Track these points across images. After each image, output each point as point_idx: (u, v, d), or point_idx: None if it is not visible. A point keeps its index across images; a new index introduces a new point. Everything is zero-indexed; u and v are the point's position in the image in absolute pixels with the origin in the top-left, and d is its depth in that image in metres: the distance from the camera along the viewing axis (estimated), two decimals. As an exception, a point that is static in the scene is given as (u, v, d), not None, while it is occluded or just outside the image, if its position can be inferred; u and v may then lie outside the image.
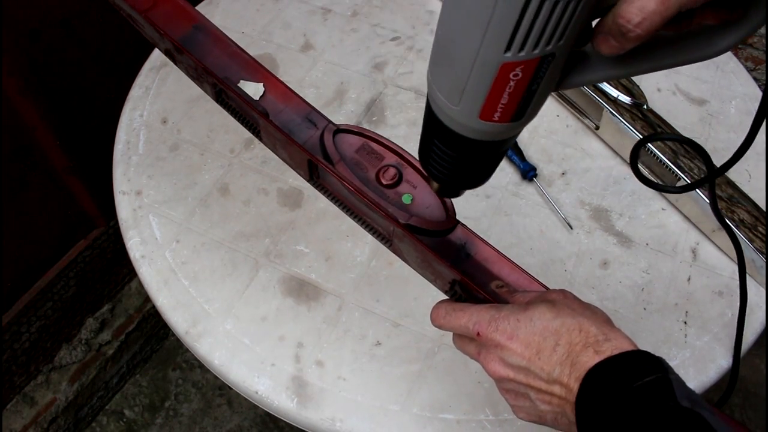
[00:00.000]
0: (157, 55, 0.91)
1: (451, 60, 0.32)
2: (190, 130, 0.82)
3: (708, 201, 0.70)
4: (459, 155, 0.38)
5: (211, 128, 0.83)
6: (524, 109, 0.33)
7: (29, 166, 1.02)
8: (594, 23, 0.31)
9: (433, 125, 0.37)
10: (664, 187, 0.43)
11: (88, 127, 1.09)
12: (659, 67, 0.34)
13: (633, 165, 0.43)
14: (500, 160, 0.40)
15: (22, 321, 1.11)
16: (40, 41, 0.94)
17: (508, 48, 0.29)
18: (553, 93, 0.86)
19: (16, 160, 0.99)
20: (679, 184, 0.72)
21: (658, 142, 0.74)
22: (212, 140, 0.81)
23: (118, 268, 1.29)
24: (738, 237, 0.68)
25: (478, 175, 0.41)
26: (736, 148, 0.40)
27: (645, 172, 0.77)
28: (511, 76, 0.30)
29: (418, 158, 0.42)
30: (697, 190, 0.70)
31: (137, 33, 0.61)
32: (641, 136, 0.75)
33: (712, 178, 0.42)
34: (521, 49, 0.29)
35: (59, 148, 1.04)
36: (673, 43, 0.32)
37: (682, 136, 0.46)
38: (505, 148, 0.39)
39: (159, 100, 0.86)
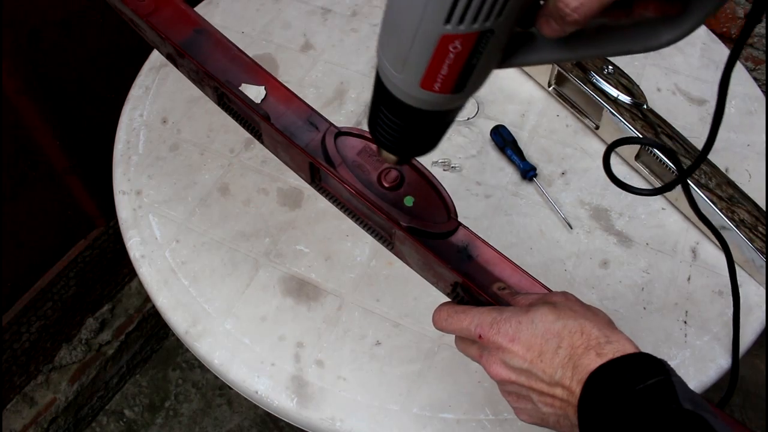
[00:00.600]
0: (157, 55, 0.91)
1: (396, 29, 0.33)
2: (190, 130, 0.83)
3: (708, 201, 0.70)
4: (404, 123, 0.39)
5: (211, 128, 0.83)
6: (464, 82, 0.34)
7: (29, 166, 1.02)
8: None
9: (380, 93, 0.38)
10: (636, 189, 0.44)
11: (88, 127, 1.09)
12: (604, 54, 0.35)
13: (606, 167, 0.44)
14: (446, 130, 0.42)
15: (22, 321, 1.11)
16: (40, 41, 0.94)
17: (447, 20, 0.30)
18: (552, 93, 0.86)
19: (16, 160, 0.99)
20: (674, 178, 0.72)
21: (625, 144, 0.74)
22: (212, 140, 0.81)
23: (118, 268, 1.29)
24: (735, 239, 0.68)
25: (424, 143, 0.42)
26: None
27: (645, 171, 0.77)
28: (450, 47, 0.32)
29: (368, 129, 0.43)
30: (697, 190, 0.70)
31: (137, 33, 0.61)
32: (641, 136, 0.75)
33: (684, 179, 0.43)
34: (460, 22, 0.30)
35: (59, 148, 1.04)
36: (617, 31, 0.34)
37: (649, 139, 0.47)
38: (450, 118, 0.40)
39: (159, 100, 0.86)
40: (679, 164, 0.43)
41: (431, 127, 0.40)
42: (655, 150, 0.73)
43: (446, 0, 0.30)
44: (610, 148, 0.43)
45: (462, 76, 0.34)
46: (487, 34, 0.31)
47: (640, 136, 0.75)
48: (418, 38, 0.32)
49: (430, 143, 0.42)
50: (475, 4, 0.29)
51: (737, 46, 0.33)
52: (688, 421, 0.33)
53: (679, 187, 0.68)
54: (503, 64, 0.36)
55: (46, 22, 0.93)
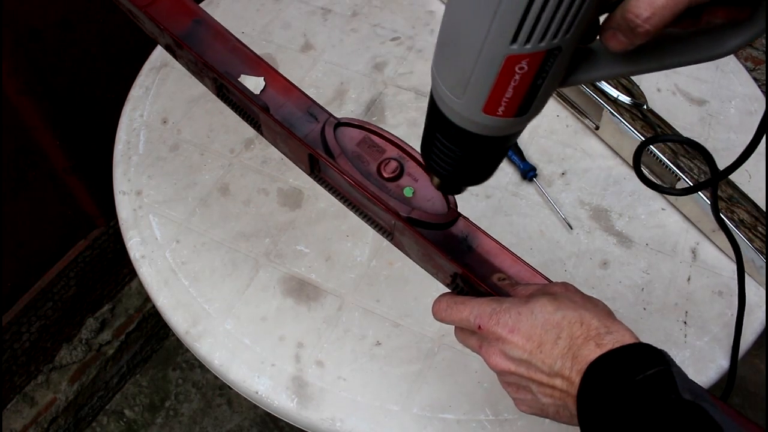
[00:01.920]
0: (157, 55, 0.91)
1: (456, 51, 0.31)
2: (190, 130, 0.83)
3: (708, 201, 0.70)
4: (461, 150, 0.37)
5: (211, 128, 0.83)
6: (529, 104, 0.33)
7: (29, 166, 1.02)
8: (602, 18, 0.31)
9: (436, 119, 0.36)
10: (668, 189, 0.43)
11: (88, 127, 1.09)
12: (668, 66, 0.33)
13: (636, 167, 0.42)
14: (503, 157, 0.40)
15: (22, 321, 1.11)
16: (40, 41, 0.94)
17: (514, 40, 0.29)
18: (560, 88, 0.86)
19: (16, 160, 0.99)
20: (679, 183, 0.72)
21: (658, 143, 0.74)
22: (212, 140, 0.81)
23: (118, 268, 1.29)
24: (737, 240, 0.68)
25: (481, 171, 0.40)
26: (736, 148, 0.40)
27: (645, 171, 0.77)
28: (516, 69, 0.30)
29: (420, 153, 0.42)
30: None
31: (137, 33, 0.61)
32: (641, 136, 0.75)
33: (716, 181, 0.42)
34: (527, 41, 0.29)
35: (59, 148, 1.04)
36: (681, 41, 0.32)
37: (684, 137, 0.45)
38: (509, 144, 0.38)
39: (159, 100, 0.86)
40: (714, 165, 0.43)
41: (490, 153, 0.38)
42: (655, 151, 0.73)
43: (513, 19, 0.28)
44: (642, 147, 0.41)
45: (527, 98, 0.32)
46: (554, 52, 0.29)
47: (640, 138, 0.75)
48: (481, 60, 0.30)
49: (487, 171, 0.40)
50: (543, 23, 0.28)
51: None
52: (687, 412, 0.33)
53: (678, 188, 0.68)
54: (565, 82, 0.34)
55: (46, 22, 0.93)
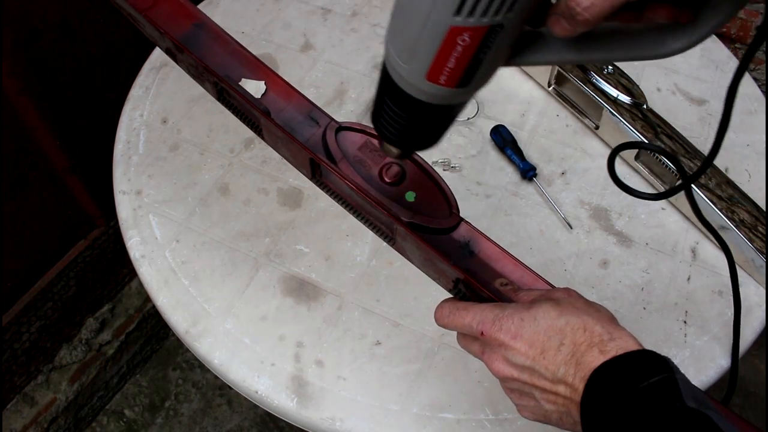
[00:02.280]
0: (157, 55, 0.91)
1: (405, 18, 0.33)
2: (190, 129, 0.83)
3: (708, 201, 0.70)
4: (408, 116, 0.39)
5: (211, 128, 0.83)
6: (470, 77, 0.34)
7: (29, 166, 1.02)
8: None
9: (385, 84, 0.38)
10: (641, 193, 0.45)
11: (88, 127, 1.09)
12: (613, 58, 0.35)
13: (611, 171, 0.43)
14: (449, 125, 0.41)
15: (22, 321, 1.11)
16: (40, 41, 0.94)
17: (457, 12, 0.30)
18: (552, 92, 0.86)
19: (16, 160, 0.99)
20: (679, 183, 0.72)
21: (659, 143, 0.74)
22: (212, 140, 0.81)
23: (118, 268, 1.29)
24: (738, 240, 0.68)
25: (427, 137, 0.42)
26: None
27: (645, 171, 0.77)
28: (458, 40, 0.32)
29: (371, 120, 0.43)
30: (697, 190, 0.70)
31: (137, 33, 0.61)
32: (641, 136, 0.75)
33: (688, 185, 0.43)
34: (470, 14, 0.30)
35: (59, 148, 1.05)
36: (626, 36, 0.34)
37: (654, 145, 0.47)
38: (454, 114, 0.40)
39: (159, 100, 0.86)
40: (682, 170, 0.43)
41: (435, 121, 0.40)
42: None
43: None
44: (615, 153, 0.43)
45: (469, 71, 0.34)
46: (496, 28, 0.31)
47: (644, 140, 0.75)
48: (427, 29, 0.32)
49: (433, 138, 0.42)
50: None
51: (746, 56, 0.33)
52: (693, 420, 0.33)
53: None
54: (511, 61, 0.36)
55: (46, 22, 0.93)
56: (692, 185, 0.71)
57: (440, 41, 0.32)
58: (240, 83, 0.53)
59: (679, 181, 0.70)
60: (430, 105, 0.37)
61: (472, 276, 0.46)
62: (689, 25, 0.31)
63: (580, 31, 0.31)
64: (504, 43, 0.33)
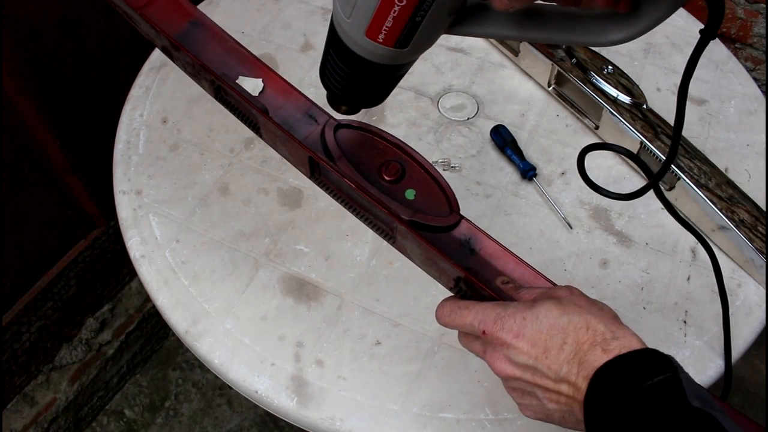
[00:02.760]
0: (157, 55, 0.91)
1: None
2: (190, 129, 0.83)
3: (708, 201, 0.70)
4: (350, 70, 0.40)
5: (211, 128, 0.83)
6: (409, 38, 0.36)
7: (29, 166, 1.02)
8: None
9: (331, 37, 0.40)
10: (611, 193, 0.46)
11: (88, 127, 1.09)
12: (552, 40, 0.37)
13: (580, 170, 0.44)
14: (393, 86, 0.43)
15: (22, 321, 1.12)
16: (40, 41, 0.94)
17: None
18: (551, 92, 0.86)
19: (16, 160, 0.99)
20: (679, 183, 0.72)
21: (658, 142, 0.74)
22: (212, 140, 0.81)
23: (118, 268, 1.29)
24: (711, 245, 0.68)
25: (370, 95, 0.43)
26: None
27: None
28: (395, 0, 0.33)
29: (319, 75, 0.45)
30: (696, 190, 0.70)
31: (137, 33, 0.60)
32: (641, 136, 0.75)
33: (655, 184, 0.44)
34: None
35: (59, 148, 1.05)
36: (568, 20, 0.35)
37: (621, 147, 0.48)
38: (396, 74, 0.41)
39: (159, 100, 0.86)
40: (648, 170, 0.45)
41: (377, 79, 0.41)
42: (655, 150, 0.73)
43: None
44: (583, 154, 0.44)
45: (406, 32, 0.35)
46: None
47: (644, 140, 0.75)
48: None
49: (377, 96, 0.43)
50: None
51: (692, 60, 0.34)
52: (697, 420, 0.33)
53: (678, 188, 0.68)
54: (453, 30, 0.37)
55: (46, 22, 0.93)
56: (690, 183, 0.71)
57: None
58: (237, 81, 0.53)
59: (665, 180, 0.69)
60: (370, 63, 0.38)
61: (473, 274, 0.45)
62: (630, 17, 0.32)
63: (518, 7, 0.33)
64: (442, 10, 0.34)
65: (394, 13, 0.34)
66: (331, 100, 0.46)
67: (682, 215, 0.53)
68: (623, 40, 0.34)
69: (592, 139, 0.82)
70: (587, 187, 0.45)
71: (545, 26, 0.36)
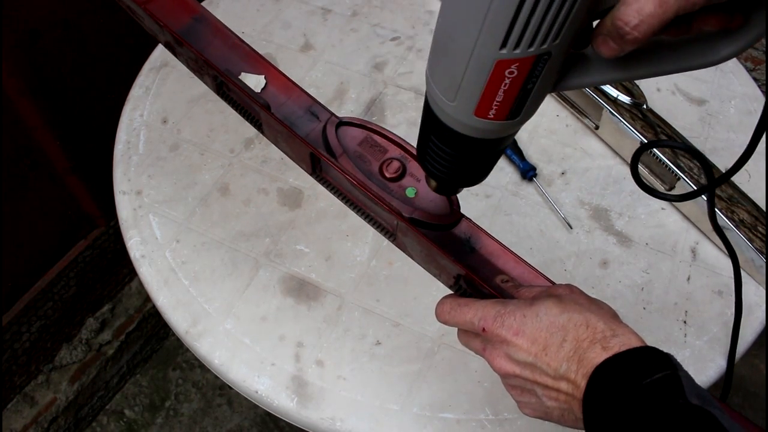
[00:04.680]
0: (157, 55, 0.91)
1: (448, 55, 0.32)
2: (190, 129, 0.83)
3: (707, 203, 0.70)
4: (455, 153, 0.38)
5: (211, 128, 0.83)
6: (520, 108, 0.33)
7: (29, 166, 1.02)
8: (594, 24, 0.31)
9: (430, 122, 0.37)
10: (665, 195, 0.43)
11: (88, 127, 1.09)
12: (660, 72, 0.33)
13: (633, 171, 0.42)
14: (497, 159, 0.40)
15: (22, 321, 1.12)
16: (40, 41, 0.94)
17: (503, 44, 0.29)
18: (552, 93, 0.86)
19: (16, 160, 0.99)
20: (678, 184, 0.72)
21: (658, 147, 0.74)
22: (212, 140, 0.81)
23: (118, 268, 1.29)
24: (738, 243, 0.68)
25: (476, 172, 0.41)
26: (735, 148, 0.40)
27: (645, 171, 0.77)
28: (506, 73, 0.30)
29: (418, 158, 0.42)
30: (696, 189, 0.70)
31: (137, 33, 0.60)
32: (641, 136, 0.75)
33: (713, 188, 0.42)
34: (517, 46, 0.29)
35: (59, 148, 1.05)
36: (674, 48, 0.32)
37: (685, 144, 0.45)
38: (503, 147, 0.38)
39: (159, 100, 0.86)
40: (711, 173, 0.42)
41: (484, 156, 0.39)
42: (656, 151, 0.73)
43: (502, 24, 0.28)
44: (639, 152, 0.41)
45: (518, 102, 0.33)
46: (543, 57, 0.30)
47: (644, 140, 0.75)
48: (472, 64, 0.31)
49: (482, 172, 0.41)
50: (532, 28, 0.28)
51: None
52: (696, 417, 0.33)
53: (678, 188, 0.68)
54: (557, 87, 0.35)
55: (46, 22, 0.93)
56: (690, 183, 0.71)
57: (487, 76, 0.31)
58: (240, 77, 0.53)
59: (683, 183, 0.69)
60: (479, 140, 0.36)
61: (473, 272, 0.46)
62: (738, 31, 0.30)
63: (628, 50, 0.30)
64: (552, 70, 0.32)
65: (504, 86, 0.31)
66: (438, 187, 0.44)
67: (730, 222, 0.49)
68: (734, 55, 0.31)
69: (593, 139, 0.82)
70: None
71: (652, 60, 0.33)
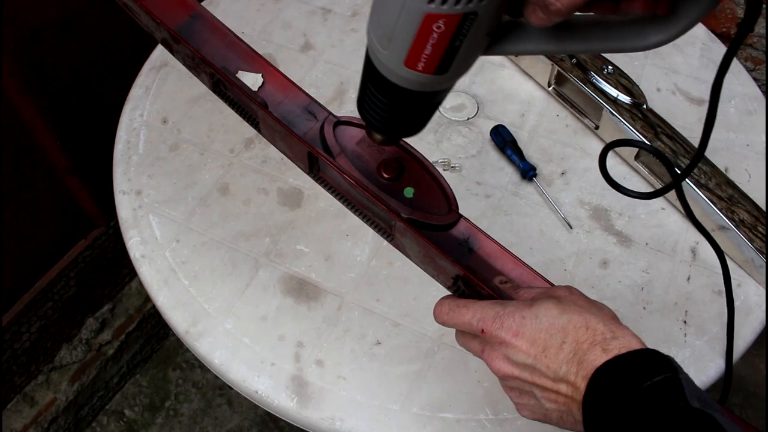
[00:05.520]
0: (157, 55, 0.91)
1: (383, 6, 0.34)
2: (190, 129, 0.83)
3: (708, 201, 0.70)
4: (390, 102, 0.39)
5: (211, 128, 0.83)
6: (448, 64, 0.35)
7: (29, 166, 1.02)
8: None
9: (368, 70, 0.39)
10: (633, 193, 0.45)
11: (88, 127, 1.09)
12: (592, 49, 0.35)
13: (602, 169, 0.44)
14: (432, 112, 0.42)
15: (22, 321, 1.11)
16: (40, 41, 0.94)
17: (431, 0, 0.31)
18: (552, 92, 0.86)
19: (16, 160, 0.99)
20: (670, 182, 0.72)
21: (658, 142, 0.74)
22: (212, 140, 0.81)
23: (118, 268, 1.29)
24: (736, 241, 0.68)
25: (411, 123, 0.42)
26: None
27: (645, 171, 0.77)
28: (434, 27, 0.32)
29: (357, 107, 0.44)
30: (697, 190, 0.70)
31: (137, 33, 0.60)
32: (641, 136, 0.75)
33: (678, 184, 0.44)
34: (443, 2, 0.31)
35: (59, 148, 1.04)
36: (606, 28, 0.34)
37: (645, 143, 0.47)
38: (436, 101, 0.40)
39: (159, 100, 0.86)
40: (672, 168, 0.44)
41: (417, 107, 0.40)
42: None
43: None
44: (606, 150, 0.43)
45: (446, 58, 0.34)
46: (470, 16, 0.31)
47: (644, 140, 0.75)
48: (402, 15, 0.32)
49: (416, 124, 0.42)
50: None
51: (731, 49, 0.34)
52: (697, 420, 0.33)
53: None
54: (490, 50, 0.36)
55: (46, 22, 0.93)
56: (690, 183, 0.71)
57: (416, 28, 0.33)
58: (237, 75, 0.52)
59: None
60: (411, 91, 0.37)
61: (472, 273, 0.45)
62: (669, 18, 0.32)
63: (556, 21, 0.32)
64: (480, 32, 0.33)
65: (432, 40, 0.33)
66: (370, 132, 0.45)
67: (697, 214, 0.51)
68: (663, 42, 0.33)
69: (593, 139, 0.82)
70: (602, 185, 0.45)
71: (583, 37, 0.35)
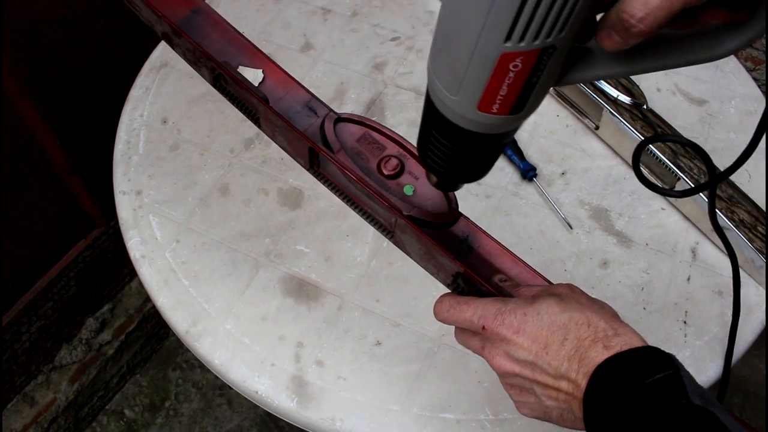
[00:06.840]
0: (157, 55, 0.91)
1: (451, 48, 0.31)
2: (190, 130, 0.83)
3: (707, 201, 0.70)
4: (457, 147, 0.37)
5: (211, 128, 0.83)
6: (524, 102, 0.33)
7: (29, 166, 1.02)
8: (598, 18, 0.31)
9: (431, 116, 0.36)
10: (667, 191, 0.43)
11: (88, 127, 1.09)
12: (665, 66, 0.33)
13: (635, 168, 0.42)
14: (499, 154, 0.40)
15: (22, 321, 1.11)
16: (40, 41, 0.94)
17: (508, 37, 0.29)
18: (552, 93, 0.86)
19: (16, 160, 0.99)
20: (678, 184, 0.72)
21: (658, 143, 0.74)
22: (212, 140, 0.81)
23: (118, 268, 1.29)
24: (737, 242, 0.68)
25: (477, 168, 0.40)
26: (735, 148, 0.40)
27: (645, 171, 0.77)
28: (510, 66, 0.30)
29: (417, 152, 0.42)
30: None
31: (137, 33, 0.60)
32: (641, 136, 0.75)
33: (714, 184, 0.42)
34: (521, 39, 0.29)
35: (59, 148, 1.05)
36: (679, 42, 0.32)
37: (685, 138, 0.45)
38: (505, 142, 0.38)
39: (159, 100, 0.86)
40: (712, 167, 0.42)
41: (486, 150, 0.38)
42: (655, 151, 0.73)
43: (507, 17, 0.28)
44: (641, 147, 0.41)
45: (521, 96, 0.32)
46: (548, 50, 0.29)
47: (639, 138, 0.75)
48: (475, 58, 0.30)
49: (483, 168, 0.40)
50: (537, 21, 0.28)
51: None
52: (699, 417, 0.33)
53: (678, 188, 0.68)
54: (561, 81, 0.34)
55: (46, 21, 0.93)
56: (690, 183, 0.71)
57: (491, 70, 0.30)
58: (238, 70, 0.52)
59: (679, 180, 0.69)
60: (482, 135, 0.35)
61: (472, 270, 0.45)
62: (744, 23, 0.30)
63: (633, 44, 0.30)
64: (556, 64, 0.31)
65: (508, 80, 0.31)
66: (438, 183, 0.43)
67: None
68: (738, 48, 0.31)
69: (593, 140, 0.82)
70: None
71: (656, 54, 0.32)
